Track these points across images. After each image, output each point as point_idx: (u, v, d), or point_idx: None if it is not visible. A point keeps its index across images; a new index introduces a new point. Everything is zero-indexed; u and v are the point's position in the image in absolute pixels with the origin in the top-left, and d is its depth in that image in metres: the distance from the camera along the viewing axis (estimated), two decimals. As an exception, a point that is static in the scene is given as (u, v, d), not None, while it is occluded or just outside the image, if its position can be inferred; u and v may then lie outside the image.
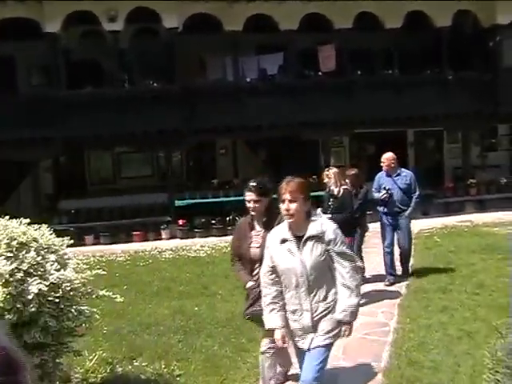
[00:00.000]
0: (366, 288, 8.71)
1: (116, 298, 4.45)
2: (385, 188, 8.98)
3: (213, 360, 6.23)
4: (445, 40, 17.21)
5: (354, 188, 8.84)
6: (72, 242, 4.61)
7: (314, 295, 4.03)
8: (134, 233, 14.90)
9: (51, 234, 4.43)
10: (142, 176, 18.19)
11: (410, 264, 9.87)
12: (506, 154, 22.10)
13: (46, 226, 4.49)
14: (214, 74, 16.65)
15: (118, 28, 14.96)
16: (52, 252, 4.28)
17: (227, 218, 15.10)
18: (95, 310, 4.57)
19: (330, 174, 8.35)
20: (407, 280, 9.29)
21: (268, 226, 4.69)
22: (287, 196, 3.96)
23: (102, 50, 15.53)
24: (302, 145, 16.96)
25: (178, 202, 15.47)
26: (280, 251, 4.07)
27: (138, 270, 11.38)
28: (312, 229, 4.00)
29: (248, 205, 4.99)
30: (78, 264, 4.44)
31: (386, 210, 9.13)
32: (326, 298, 4.07)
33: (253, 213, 5.01)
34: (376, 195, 9.17)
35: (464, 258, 10.74)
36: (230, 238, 14.79)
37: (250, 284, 4.98)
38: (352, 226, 8.26)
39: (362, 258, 8.94)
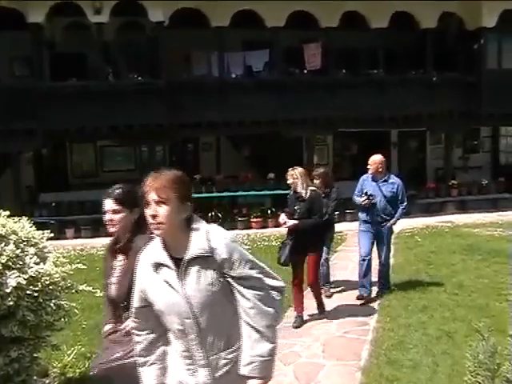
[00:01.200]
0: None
1: (96, 292, 4.40)
2: (366, 193, 8.03)
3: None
4: (430, 41, 17.29)
5: (327, 187, 8.36)
6: (52, 235, 4.56)
7: (211, 343, 2.74)
8: (116, 227, 14.81)
9: (31, 227, 4.39)
10: (124, 170, 18.06)
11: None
12: (488, 156, 22.32)
13: (27, 218, 4.44)
14: (199, 69, 16.59)
15: (103, 20, 14.82)
16: (31, 245, 4.24)
17: (209, 214, 15.07)
18: (74, 304, 4.53)
19: (296, 174, 7.17)
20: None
21: (132, 250, 3.40)
22: (153, 196, 2.64)
23: (87, 42, 15.37)
24: (285, 142, 16.97)
25: (160, 198, 15.38)
26: (154, 282, 2.75)
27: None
28: (195, 246, 2.67)
29: (105, 218, 3.68)
30: (58, 258, 4.39)
31: (367, 217, 8.16)
32: (228, 345, 2.78)
33: (111, 229, 3.66)
34: (357, 200, 8.20)
35: (444, 258, 10.82)
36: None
37: (106, 327, 3.61)
38: (323, 231, 7.57)
39: (328, 267, 8.67)
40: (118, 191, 3.64)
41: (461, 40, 17.90)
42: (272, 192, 15.54)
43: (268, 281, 2.77)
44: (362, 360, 6.02)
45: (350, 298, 8.35)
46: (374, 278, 8.44)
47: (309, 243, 7.06)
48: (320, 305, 7.56)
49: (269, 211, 15.46)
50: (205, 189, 15.75)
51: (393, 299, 8.13)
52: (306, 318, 7.37)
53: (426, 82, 17.14)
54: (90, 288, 4.49)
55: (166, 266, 2.70)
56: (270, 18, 15.87)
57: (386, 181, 8.08)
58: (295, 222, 7.01)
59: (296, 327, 7.06)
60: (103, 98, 14.66)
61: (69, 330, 6.03)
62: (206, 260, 2.66)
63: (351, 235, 12.80)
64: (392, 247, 12.06)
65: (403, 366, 5.72)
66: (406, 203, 8.11)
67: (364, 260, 8.10)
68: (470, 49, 17.63)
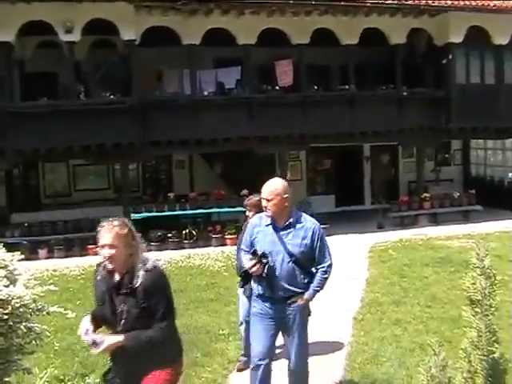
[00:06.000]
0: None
1: (67, 313, 4.35)
2: (254, 252, 4.67)
3: (167, 376, 6.16)
4: (399, 57, 17.54)
5: None
6: (24, 256, 4.52)
7: None
8: (89, 246, 14.65)
9: (1, 249, 4.34)
10: (97, 189, 17.99)
11: None
12: (459, 169, 22.66)
13: (-3, 240, 4.40)
14: (171, 87, 16.60)
15: (74, 39, 14.76)
16: (1, 267, 4.19)
17: (183, 232, 15.06)
18: (46, 326, 4.49)
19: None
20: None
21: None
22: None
23: (58, 61, 15.33)
24: (258, 158, 17.03)
25: (133, 216, 15.29)
26: None
27: (91, 285, 11.18)
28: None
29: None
30: (29, 280, 4.35)
31: (260, 291, 4.81)
32: None
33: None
34: (245, 262, 4.79)
35: (417, 270, 10.93)
36: (186, 252, 14.73)
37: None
38: None
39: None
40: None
41: (430, 55, 18.19)
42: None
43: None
44: (337, 375, 6.04)
45: (323, 314, 8.37)
46: None
47: None
48: None
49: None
50: (178, 206, 15.73)
51: (366, 313, 8.19)
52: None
53: (397, 97, 17.37)
54: (62, 309, 4.44)
55: None
56: (241, 36, 15.97)
57: (291, 226, 4.74)
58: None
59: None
60: (75, 117, 14.56)
61: (41, 353, 5.98)
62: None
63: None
64: (366, 261, 12.29)
65: (377, 380, 5.78)
66: (328, 262, 4.81)
67: (258, 366, 4.84)
68: (438, 64, 17.91)
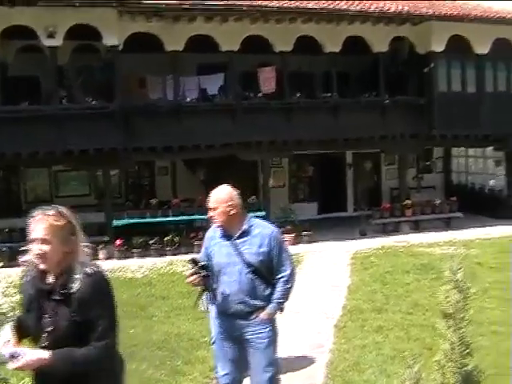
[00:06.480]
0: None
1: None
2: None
3: (147, 384, 6.13)
4: (382, 65, 17.65)
5: None
6: (3, 263, 4.48)
7: None
8: (70, 253, 14.55)
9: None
10: (79, 195, 17.86)
11: None
12: (441, 176, 22.84)
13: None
14: (154, 93, 16.53)
15: (56, 44, 14.68)
16: (-21, 275, 4.14)
17: (166, 239, 14.99)
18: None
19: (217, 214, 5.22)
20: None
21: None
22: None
23: (40, 65, 15.22)
24: (241, 165, 17.03)
25: (115, 222, 15.23)
26: None
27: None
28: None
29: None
30: (7, 287, 4.31)
31: (220, 307, 4.47)
32: None
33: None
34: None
35: (399, 277, 10.97)
36: (168, 259, 14.66)
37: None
38: None
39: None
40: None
41: (412, 64, 18.34)
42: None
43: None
44: (318, 382, 6.04)
45: (304, 321, 8.38)
46: None
47: None
48: None
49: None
50: (161, 213, 15.67)
51: (348, 320, 8.20)
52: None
53: (379, 105, 17.46)
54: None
55: None
56: (224, 42, 15.98)
57: (245, 234, 4.38)
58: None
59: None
60: (57, 122, 14.48)
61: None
62: None
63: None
64: (348, 268, 12.32)
65: (358, 388, 5.77)
66: (288, 271, 4.36)
67: None
68: (420, 72, 18.06)
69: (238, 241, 4.34)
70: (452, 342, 3.56)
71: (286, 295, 4.35)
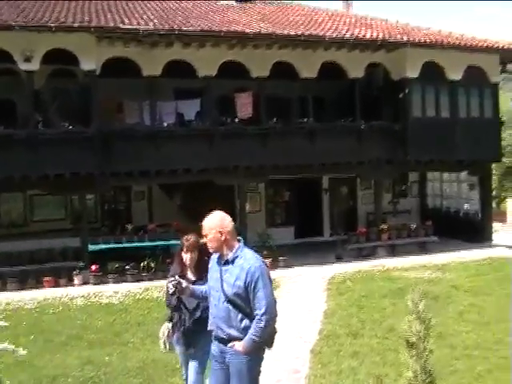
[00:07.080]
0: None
1: (18, 351, 4.21)
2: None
3: (122, 412, 6.04)
4: (358, 90, 17.87)
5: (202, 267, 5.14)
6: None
7: None
8: (45, 278, 14.36)
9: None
10: (54, 219, 17.70)
11: None
12: (416, 200, 23.06)
13: None
14: (131, 117, 16.53)
15: (33, 68, 14.65)
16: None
17: (142, 264, 14.87)
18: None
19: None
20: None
21: None
22: None
23: (16, 89, 15.16)
24: (217, 190, 17.02)
25: (91, 247, 15.10)
26: None
27: (46, 319, 10.93)
28: None
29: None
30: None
31: (209, 327, 4.59)
32: None
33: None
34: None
35: (375, 302, 11.00)
36: (144, 284, 14.53)
37: None
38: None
39: None
40: None
41: (387, 89, 18.59)
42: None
43: None
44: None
45: (281, 346, 8.34)
46: None
47: None
48: None
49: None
50: (137, 238, 15.56)
51: (324, 345, 8.19)
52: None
53: (355, 130, 17.64)
54: (13, 346, 4.28)
55: None
56: (201, 68, 16.09)
57: (229, 263, 4.41)
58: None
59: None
60: (32, 146, 14.40)
61: (-9, 390, 5.80)
62: None
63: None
64: (324, 293, 12.32)
65: (334, 413, 5.76)
66: (262, 310, 4.23)
67: None
68: (395, 98, 18.32)
69: (223, 268, 4.41)
70: (415, 371, 3.62)
71: (259, 333, 4.24)
